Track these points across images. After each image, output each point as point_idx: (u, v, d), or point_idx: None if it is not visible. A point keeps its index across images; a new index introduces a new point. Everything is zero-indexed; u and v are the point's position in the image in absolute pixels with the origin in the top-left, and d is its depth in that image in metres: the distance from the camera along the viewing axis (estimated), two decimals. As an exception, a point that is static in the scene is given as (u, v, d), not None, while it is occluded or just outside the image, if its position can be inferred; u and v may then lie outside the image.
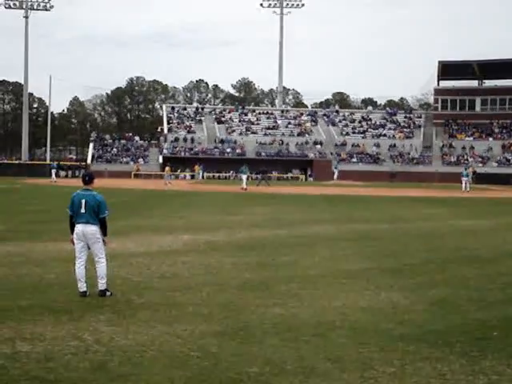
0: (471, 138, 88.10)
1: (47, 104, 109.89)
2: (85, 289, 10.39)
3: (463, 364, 7.29)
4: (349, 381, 6.69)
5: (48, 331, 8.33)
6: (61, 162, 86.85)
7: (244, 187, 48.39)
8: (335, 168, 73.95)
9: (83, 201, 10.33)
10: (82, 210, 10.31)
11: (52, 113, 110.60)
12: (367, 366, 7.14)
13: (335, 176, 71.72)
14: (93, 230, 10.35)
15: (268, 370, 6.95)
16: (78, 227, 10.37)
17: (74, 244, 10.53)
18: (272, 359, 7.31)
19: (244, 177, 50.26)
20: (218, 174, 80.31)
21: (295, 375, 6.81)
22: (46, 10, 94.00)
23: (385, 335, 8.40)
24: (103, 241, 10.50)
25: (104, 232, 10.48)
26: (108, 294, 10.40)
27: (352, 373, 6.92)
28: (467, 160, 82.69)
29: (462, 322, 9.15)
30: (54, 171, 61.66)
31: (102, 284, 10.44)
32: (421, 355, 7.56)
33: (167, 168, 61.61)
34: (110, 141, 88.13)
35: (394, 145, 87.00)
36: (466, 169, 57.75)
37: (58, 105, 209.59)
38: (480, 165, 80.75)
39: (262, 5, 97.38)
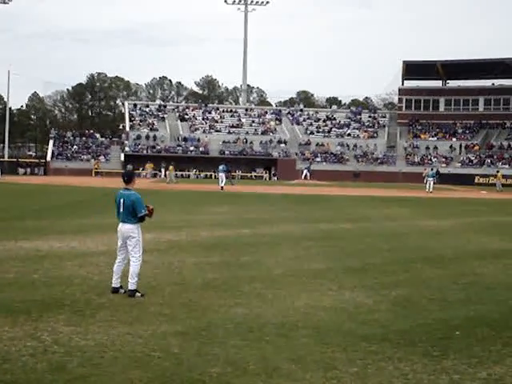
0: (435, 138, 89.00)
1: (5, 99, 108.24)
2: (116, 286, 10.48)
3: (425, 363, 7.31)
4: (311, 381, 6.66)
5: (5, 332, 8.16)
6: (19, 159, 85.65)
7: (221, 185, 47.14)
8: (306, 168, 73.18)
9: (121, 200, 10.50)
10: (121, 209, 10.49)
11: (10, 108, 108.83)
12: (330, 366, 7.12)
13: (303, 176, 71.33)
14: (128, 228, 10.43)
15: (230, 371, 6.89)
16: (119, 226, 10.58)
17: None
18: (234, 359, 7.25)
19: (223, 176, 48.40)
20: (180, 173, 79.82)
21: (257, 375, 6.76)
22: (5, 3, 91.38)
23: (348, 335, 8.38)
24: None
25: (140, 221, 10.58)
26: (138, 295, 10.30)
27: (315, 373, 6.89)
28: (431, 160, 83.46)
29: (425, 321, 9.18)
30: None
31: (131, 284, 10.36)
32: (383, 355, 7.57)
33: (171, 167, 61.35)
34: (71, 138, 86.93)
35: (357, 145, 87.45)
36: (432, 169, 58.25)
37: (17, 100, 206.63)
38: (443, 165, 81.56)
39: (226, 1, 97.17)
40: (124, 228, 10.43)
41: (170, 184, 55.62)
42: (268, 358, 7.33)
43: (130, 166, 69.85)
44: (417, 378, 6.83)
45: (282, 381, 6.64)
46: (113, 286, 10.53)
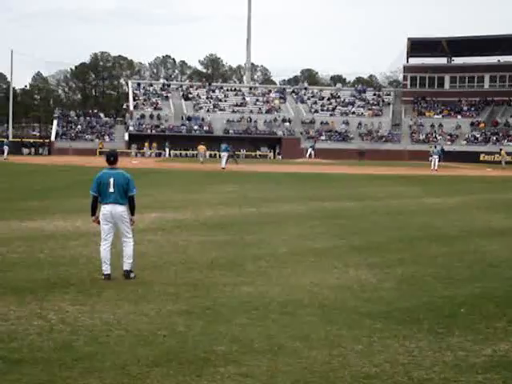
0: (440, 116, 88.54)
1: (9, 79, 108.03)
2: (109, 271, 10.03)
3: (430, 341, 7.32)
4: (317, 358, 6.66)
5: (11, 311, 8.19)
6: (23, 139, 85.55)
7: (223, 166, 46.30)
8: (310, 147, 72.78)
9: (111, 179, 10.01)
10: (111, 190, 9.99)
11: (14, 88, 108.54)
12: (335, 344, 7.12)
13: (308, 154, 71.01)
14: (121, 210, 10.07)
15: (236, 349, 6.90)
16: (106, 208, 10.06)
17: (98, 224, 10.23)
18: (240, 338, 7.26)
19: (225, 155, 47.58)
20: (185, 152, 79.69)
21: (263, 353, 6.77)
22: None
23: (353, 313, 8.39)
24: (131, 220, 10.26)
25: (132, 211, 10.25)
26: (132, 275, 10.15)
27: (320, 350, 6.90)
28: (436, 138, 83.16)
29: (430, 299, 9.18)
30: (6, 148, 60.54)
31: (128, 264, 10.16)
32: (389, 332, 7.57)
33: (200, 146, 60.35)
34: (75, 117, 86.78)
35: (362, 123, 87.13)
36: (435, 147, 58.02)
37: (21, 80, 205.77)
38: (449, 143, 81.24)
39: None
40: (117, 210, 10.03)
41: (203, 164, 53.56)
42: (273, 336, 7.34)
43: (134, 146, 69.61)
44: (422, 355, 6.83)
45: (288, 358, 6.65)
46: (106, 273, 10.03)
